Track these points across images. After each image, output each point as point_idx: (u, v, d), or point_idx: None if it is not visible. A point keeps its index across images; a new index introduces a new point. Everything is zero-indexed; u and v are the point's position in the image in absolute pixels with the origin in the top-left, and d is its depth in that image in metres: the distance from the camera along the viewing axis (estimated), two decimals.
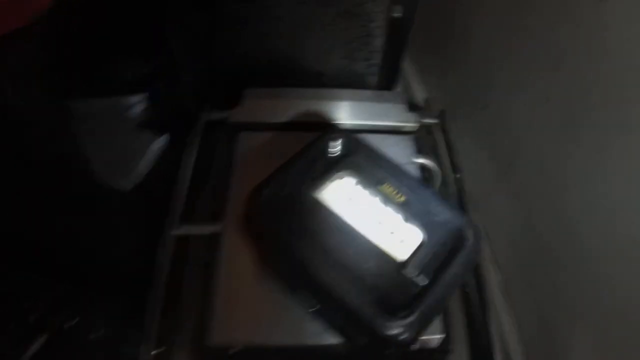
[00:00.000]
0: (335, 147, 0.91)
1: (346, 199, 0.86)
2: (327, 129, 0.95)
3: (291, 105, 1.16)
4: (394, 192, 0.87)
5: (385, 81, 1.25)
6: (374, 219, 0.84)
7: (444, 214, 0.85)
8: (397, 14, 1.10)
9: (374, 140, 0.99)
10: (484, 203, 1.13)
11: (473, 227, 0.83)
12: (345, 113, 1.15)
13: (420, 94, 1.48)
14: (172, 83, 1.26)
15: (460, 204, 1.08)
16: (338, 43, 1.17)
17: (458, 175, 1.12)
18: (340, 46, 1.18)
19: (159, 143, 1.34)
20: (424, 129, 1.19)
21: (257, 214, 0.83)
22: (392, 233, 0.84)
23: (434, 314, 0.77)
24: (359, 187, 0.87)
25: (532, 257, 1.01)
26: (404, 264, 0.80)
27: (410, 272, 0.79)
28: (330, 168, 0.89)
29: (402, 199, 0.87)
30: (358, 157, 0.91)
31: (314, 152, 0.91)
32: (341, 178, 0.88)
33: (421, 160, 1.10)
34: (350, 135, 0.93)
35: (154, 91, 1.25)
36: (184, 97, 1.29)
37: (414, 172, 1.06)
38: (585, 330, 0.87)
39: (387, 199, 0.86)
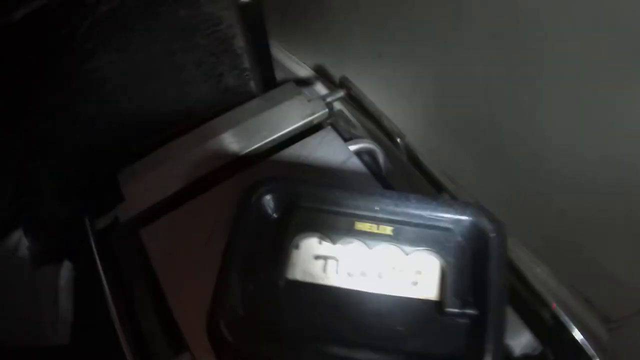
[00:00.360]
0: (270, 205, 0.69)
1: (324, 262, 0.66)
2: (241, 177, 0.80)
3: (181, 165, 0.92)
4: (374, 226, 0.67)
5: (264, 80, 1.02)
6: (372, 270, 0.65)
7: (444, 217, 0.67)
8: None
9: (294, 155, 0.84)
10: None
11: (484, 214, 0.66)
12: (244, 139, 0.93)
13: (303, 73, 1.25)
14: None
15: (438, 188, 0.88)
16: (190, 69, 0.94)
17: (402, 140, 0.91)
18: (195, 70, 0.95)
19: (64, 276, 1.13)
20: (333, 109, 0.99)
21: (232, 342, 0.60)
22: (401, 272, 0.65)
23: (503, 337, 0.60)
24: (329, 242, 0.66)
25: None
26: (439, 302, 0.63)
27: (452, 306, 0.62)
28: (280, 234, 0.67)
29: (388, 229, 0.67)
30: (303, 201, 0.69)
31: (246, 224, 0.68)
32: (303, 239, 0.67)
33: (357, 146, 0.90)
34: (279, 178, 0.72)
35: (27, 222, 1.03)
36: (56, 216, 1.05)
37: (355, 165, 0.87)
38: None
39: (371, 238, 0.66)
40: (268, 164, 0.88)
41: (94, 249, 0.90)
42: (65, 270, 1.15)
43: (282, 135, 0.93)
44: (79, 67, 0.82)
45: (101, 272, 0.86)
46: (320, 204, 0.68)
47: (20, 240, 1.17)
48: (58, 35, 0.76)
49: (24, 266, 1.15)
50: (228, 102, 1.00)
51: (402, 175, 0.92)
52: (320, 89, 1.15)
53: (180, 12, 0.84)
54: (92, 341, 1.04)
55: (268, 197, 0.69)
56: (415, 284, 0.64)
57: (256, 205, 0.69)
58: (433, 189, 0.87)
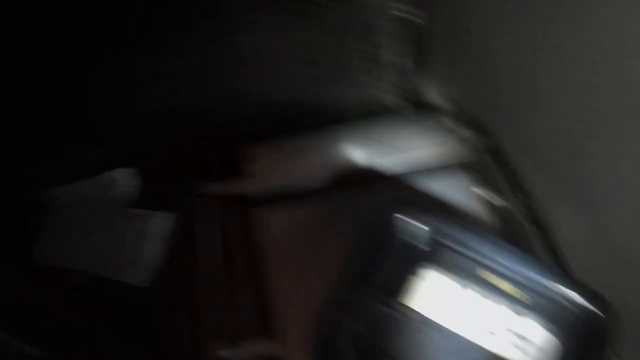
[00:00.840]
0: (405, 230, 0.70)
1: (442, 299, 0.67)
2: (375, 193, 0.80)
3: (311, 159, 0.94)
4: (499, 281, 0.68)
5: (405, 99, 1.02)
6: (486, 322, 0.66)
7: (568, 296, 0.67)
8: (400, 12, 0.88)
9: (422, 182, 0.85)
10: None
11: (607, 307, 0.66)
12: (376, 152, 0.95)
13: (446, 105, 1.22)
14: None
15: (555, 259, 0.86)
16: (328, 67, 0.94)
17: (522, 197, 0.90)
18: (333, 69, 0.96)
19: (156, 225, 1.18)
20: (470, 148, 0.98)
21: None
22: (509, 332, 0.66)
23: None
24: (457, 284, 0.68)
25: None
26: None
27: None
28: (408, 261, 0.69)
29: (510, 287, 0.68)
30: (439, 235, 0.70)
31: (376, 242, 0.70)
32: (429, 271, 0.68)
33: (481, 193, 0.89)
34: (421, 206, 0.73)
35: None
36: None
37: (475, 209, 0.88)
38: None
39: (492, 290, 0.68)
40: (394, 184, 0.89)
41: (198, 211, 0.94)
42: (158, 219, 1.19)
43: (414, 160, 0.94)
44: (223, 36, 0.85)
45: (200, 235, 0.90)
46: (456, 242, 0.69)
47: (114, 180, 1.24)
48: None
49: (115, 205, 1.24)
50: (362, 110, 1.01)
51: (521, 236, 0.91)
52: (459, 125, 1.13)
53: (330, 12, 0.85)
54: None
55: (404, 221, 0.70)
56: (517, 346, 0.64)
57: (388, 225, 0.71)
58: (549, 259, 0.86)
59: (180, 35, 0.85)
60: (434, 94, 1.10)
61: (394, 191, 0.90)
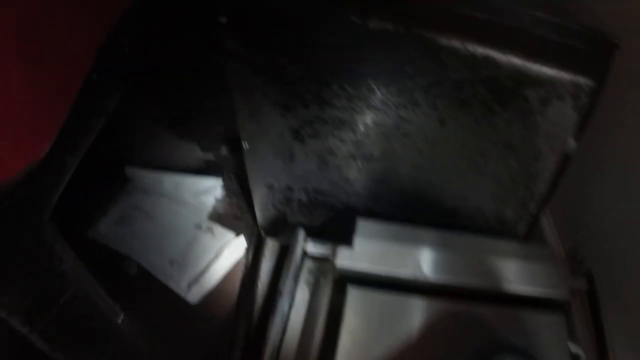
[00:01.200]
0: None
1: None
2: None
3: (414, 253, 0.94)
4: None
5: (526, 232, 1.00)
6: None
7: None
8: (572, 148, 0.88)
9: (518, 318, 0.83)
10: None
11: None
12: (484, 271, 0.93)
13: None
14: None
15: None
16: (488, 180, 0.94)
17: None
18: (491, 184, 0.95)
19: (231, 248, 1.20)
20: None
21: None
22: None
23: None
24: None
25: None
26: None
27: None
28: None
29: None
30: None
31: None
32: None
33: (574, 349, 0.86)
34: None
35: None
36: None
37: None
38: None
39: None
40: (494, 313, 0.87)
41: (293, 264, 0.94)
42: (236, 243, 1.17)
43: (516, 291, 0.92)
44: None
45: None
46: None
47: (208, 188, 1.24)
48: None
49: (195, 210, 1.26)
50: (485, 227, 1.00)
51: None
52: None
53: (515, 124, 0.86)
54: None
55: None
56: None
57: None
58: None
59: None
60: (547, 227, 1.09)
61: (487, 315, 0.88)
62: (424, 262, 0.91)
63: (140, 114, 1.18)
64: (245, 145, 0.98)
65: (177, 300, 1.10)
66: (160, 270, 1.13)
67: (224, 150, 1.22)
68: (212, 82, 1.11)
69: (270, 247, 1.15)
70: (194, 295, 1.09)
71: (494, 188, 0.95)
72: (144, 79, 1.11)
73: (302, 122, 0.92)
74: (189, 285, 1.11)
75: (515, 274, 0.93)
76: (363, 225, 0.94)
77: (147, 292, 1.13)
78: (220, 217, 1.22)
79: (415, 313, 0.86)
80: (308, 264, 1.00)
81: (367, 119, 0.89)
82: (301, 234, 0.96)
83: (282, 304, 0.89)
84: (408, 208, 1.00)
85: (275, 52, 0.84)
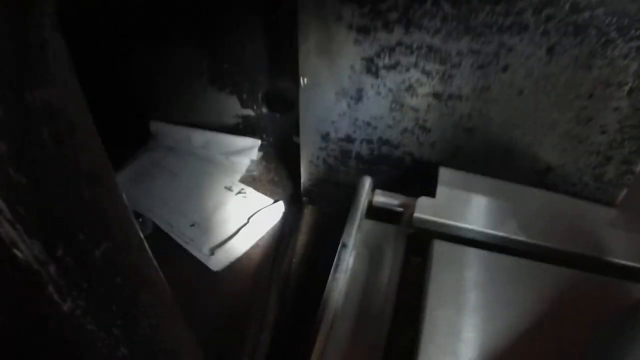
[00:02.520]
0: None
1: None
2: None
3: (505, 210, 0.79)
4: None
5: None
6: None
7: None
8: None
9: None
10: None
11: None
12: (585, 238, 0.78)
13: None
14: None
15: None
16: (592, 129, 0.81)
17: None
18: (595, 135, 0.81)
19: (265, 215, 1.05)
20: None
21: None
22: None
23: None
24: None
25: None
26: None
27: None
28: None
29: None
30: None
31: None
32: None
33: None
34: None
35: None
36: None
37: None
38: None
39: None
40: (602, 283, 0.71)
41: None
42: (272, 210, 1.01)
43: (617, 262, 0.77)
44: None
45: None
46: None
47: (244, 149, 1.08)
48: None
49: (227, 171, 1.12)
50: (580, 188, 0.86)
51: None
52: None
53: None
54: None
55: None
56: None
57: None
58: None
59: None
60: None
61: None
62: (516, 220, 0.77)
63: (175, 64, 1.03)
64: (302, 81, 0.83)
65: (195, 266, 0.95)
66: (179, 232, 0.96)
67: (265, 108, 1.06)
68: (261, 33, 0.97)
69: (312, 215, 0.98)
70: (216, 262, 0.93)
71: (599, 139, 0.81)
72: (184, 24, 0.98)
73: (381, 49, 0.78)
74: (212, 251, 0.93)
75: (616, 244, 0.77)
76: (446, 174, 0.78)
77: (163, 254, 0.94)
78: (254, 180, 1.06)
79: (521, 276, 0.70)
80: (366, 225, 0.82)
81: (462, 46, 0.75)
82: (367, 181, 0.80)
83: (346, 257, 0.71)
84: (494, 163, 0.84)
85: None
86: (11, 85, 0.26)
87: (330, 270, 0.71)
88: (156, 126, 1.14)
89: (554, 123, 0.80)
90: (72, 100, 0.31)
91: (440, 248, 0.71)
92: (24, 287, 0.31)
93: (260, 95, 1.07)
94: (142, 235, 0.42)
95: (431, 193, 0.79)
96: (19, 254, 0.29)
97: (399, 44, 0.77)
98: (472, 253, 0.72)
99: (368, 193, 0.80)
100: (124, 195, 0.38)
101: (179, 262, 0.94)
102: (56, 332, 0.36)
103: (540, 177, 0.86)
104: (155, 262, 0.46)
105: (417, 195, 0.79)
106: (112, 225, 0.36)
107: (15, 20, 0.25)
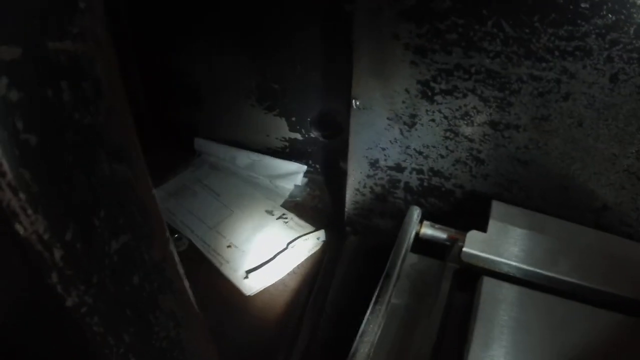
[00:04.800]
0: None
1: None
2: None
3: (561, 248, 0.73)
4: None
5: None
6: None
7: None
8: None
9: None
10: None
11: None
12: (635, 283, 0.71)
13: None
14: None
15: None
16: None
17: None
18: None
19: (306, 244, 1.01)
20: None
21: None
22: None
23: None
24: None
25: None
26: None
27: None
28: None
29: None
30: None
31: None
32: None
33: None
34: None
35: None
36: None
37: None
38: None
39: None
40: None
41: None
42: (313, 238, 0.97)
43: None
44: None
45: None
46: None
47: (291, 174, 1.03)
48: None
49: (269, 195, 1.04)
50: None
51: None
52: None
53: None
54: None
55: None
56: None
57: None
58: None
59: None
60: None
61: None
62: (569, 260, 0.71)
63: (224, 81, 1.02)
64: (354, 104, 0.79)
65: (229, 288, 0.92)
66: (214, 252, 0.93)
67: (314, 133, 1.03)
68: (313, 52, 0.94)
69: (354, 246, 0.93)
70: (250, 286, 0.89)
71: None
72: (238, 42, 0.97)
73: (438, 72, 0.74)
74: (247, 274, 0.89)
75: None
76: (499, 208, 0.73)
77: (196, 273, 0.92)
78: (297, 206, 1.03)
79: (572, 319, 0.65)
80: (411, 258, 0.77)
81: (522, 71, 0.70)
82: (416, 212, 0.75)
83: (389, 288, 0.65)
84: (549, 199, 0.78)
85: None
86: (32, 28, 0.22)
87: (368, 304, 0.66)
88: (200, 143, 1.12)
89: (614, 158, 0.74)
90: (102, 57, 0.27)
91: (489, 286, 0.65)
92: (23, 271, 0.27)
93: (309, 119, 1.04)
94: (169, 235, 0.38)
95: (481, 227, 0.73)
96: (20, 229, 0.25)
97: (457, 67, 0.73)
98: (522, 292, 0.66)
99: (416, 224, 0.75)
100: (150, 181, 0.34)
101: (212, 282, 0.90)
102: (56, 329, 0.32)
103: (595, 215, 0.79)
104: (181, 269, 0.41)
105: (466, 229, 0.73)
106: (135, 214, 0.33)
107: None
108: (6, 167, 0.23)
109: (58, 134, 0.25)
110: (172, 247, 0.38)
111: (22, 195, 0.24)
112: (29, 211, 0.24)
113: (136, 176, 0.31)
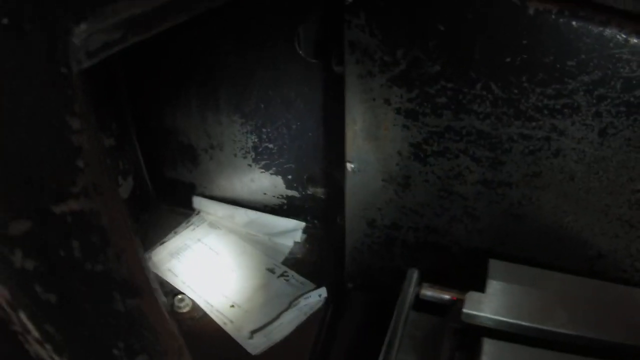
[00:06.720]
0: None
1: None
2: None
3: (560, 303, 0.73)
4: None
5: None
6: None
7: None
8: None
9: None
10: None
11: None
12: (633, 329, 0.71)
13: None
14: None
15: None
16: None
17: None
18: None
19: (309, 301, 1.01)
20: None
21: None
22: None
23: None
24: None
25: None
26: None
27: None
28: None
29: None
30: None
31: None
32: None
33: None
34: None
35: None
36: None
37: None
38: None
39: None
40: None
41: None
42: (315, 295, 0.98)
43: None
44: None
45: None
46: None
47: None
48: None
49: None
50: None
51: None
52: None
53: None
54: None
55: None
56: None
57: None
58: None
59: None
60: None
61: None
62: (566, 312, 0.71)
63: (220, 141, 1.04)
64: (349, 167, 0.82)
65: (233, 348, 0.92)
66: (218, 312, 0.94)
67: (310, 190, 1.05)
68: (308, 114, 0.97)
69: (357, 301, 0.94)
70: (255, 346, 0.90)
71: None
72: (233, 102, 1.00)
73: (429, 134, 0.75)
74: (252, 334, 0.90)
75: None
76: (496, 267, 0.74)
77: (199, 335, 0.93)
78: (297, 263, 1.04)
79: None
80: (412, 316, 0.78)
81: (512, 131, 0.72)
82: (414, 274, 0.76)
83: (391, 357, 0.67)
84: (544, 251, 0.80)
85: (411, 40, 0.70)
86: (39, 198, 0.24)
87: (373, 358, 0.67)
88: (199, 202, 1.13)
89: (607, 208, 0.76)
90: (106, 206, 0.29)
91: (489, 348, 0.66)
92: None
93: (305, 177, 1.06)
94: (182, 342, 0.39)
95: (479, 284, 0.74)
96: None
97: (448, 129, 0.75)
98: (523, 351, 0.66)
99: (415, 286, 0.77)
100: (162, 305, 0.35)
101: (217, 343, 0.91)
102: None
103: (590, 264, 0.81)
104: None
105: (465, 284, 0.75)
106: (149, 337, 0.34)
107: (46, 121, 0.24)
108: (30, 325, 0.24)
109: (73, 287, 0.26)
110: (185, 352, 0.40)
111: (48, 346, 0.25)
112: (55, 356, 0.26)
113: (148, 304, 0.33)
